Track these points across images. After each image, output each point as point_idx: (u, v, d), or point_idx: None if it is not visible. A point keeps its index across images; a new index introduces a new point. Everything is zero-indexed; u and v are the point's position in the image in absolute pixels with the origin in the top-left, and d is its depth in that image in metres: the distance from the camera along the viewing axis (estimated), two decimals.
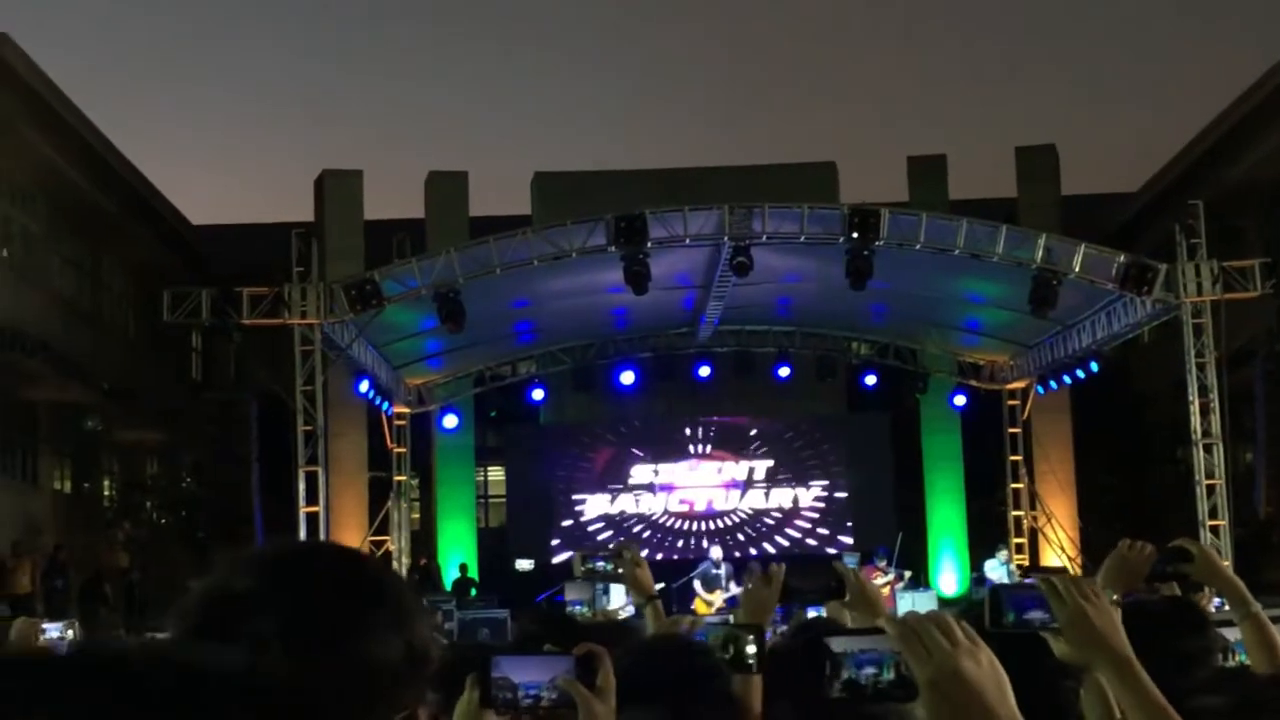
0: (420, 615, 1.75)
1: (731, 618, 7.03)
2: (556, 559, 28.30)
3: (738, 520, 30.29)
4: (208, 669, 1.28)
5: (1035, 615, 2.77)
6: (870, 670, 2.20)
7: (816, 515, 30.45)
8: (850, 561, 23.66)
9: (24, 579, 24.12)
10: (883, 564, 23.67)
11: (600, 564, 5.54)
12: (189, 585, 1.78)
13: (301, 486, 21.87)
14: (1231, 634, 4.12)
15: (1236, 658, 4.15)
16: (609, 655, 2.78)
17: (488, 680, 2.60)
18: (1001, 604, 2.80)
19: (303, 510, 21.66)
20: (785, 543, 29.65)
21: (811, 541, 30.07)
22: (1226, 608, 4.21)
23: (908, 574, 25.27)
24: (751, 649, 3.68)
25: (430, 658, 1.74)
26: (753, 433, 30.61)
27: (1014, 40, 74.02)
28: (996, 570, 24.65)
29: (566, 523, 30.28)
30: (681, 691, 3.24)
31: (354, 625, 1.69)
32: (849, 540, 29.27)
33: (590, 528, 30.04)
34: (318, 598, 1.70)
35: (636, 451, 30.55)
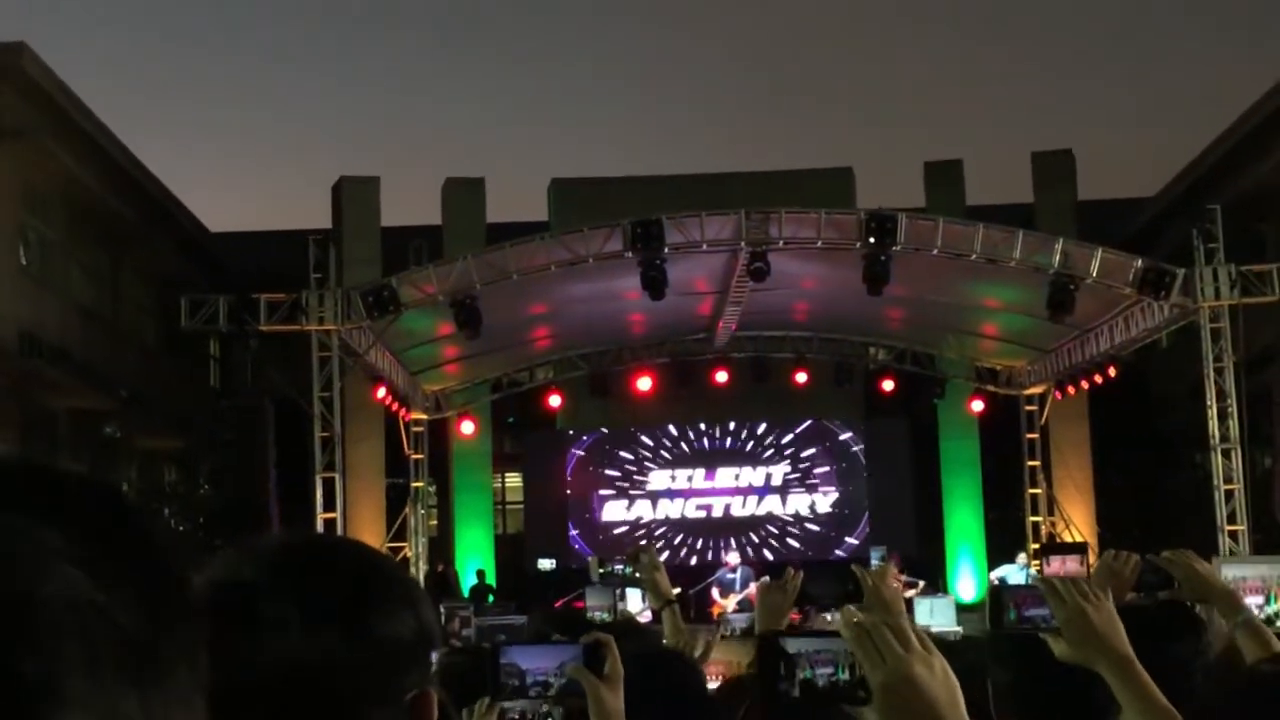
0: (424, 597, 1.80)
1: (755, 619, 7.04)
2: (575, 565, 28.32)
3: (755, 526, 30.29)
4: None
5: (1036, 614, 2.78)
6: (826, 670, 2.21)
7: (834, 521, 30.45)
8: (875, 555, 23.64)
9: None
10: (878, 561, 23.55)
11: (618, 567, 5.54)
12: (192, 579, 1.80)
13: (319, 493, 21.91)
14: None
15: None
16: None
17: (496, 668, 2.62)
18: (1003, 603, 2.81)
19: (320, 517, 21.70)
20: (802, 548, 29.64)
21: (828, 547, 30.06)
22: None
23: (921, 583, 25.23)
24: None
25: (435, 638, 1.79)
26: (770, 439, 30.61)
27: (1030, 45, 73.95)
28: (1015, 577, 24.52)
29: (584, 529, 30.31)
30: (661, 702, 3.25)
31: (368, 603, 1.73)
32: (870, 548, 29.22)
33: (608, 534, 30.06)
34: (328, 579, 1.75)
35: (653, 457, 30.58)
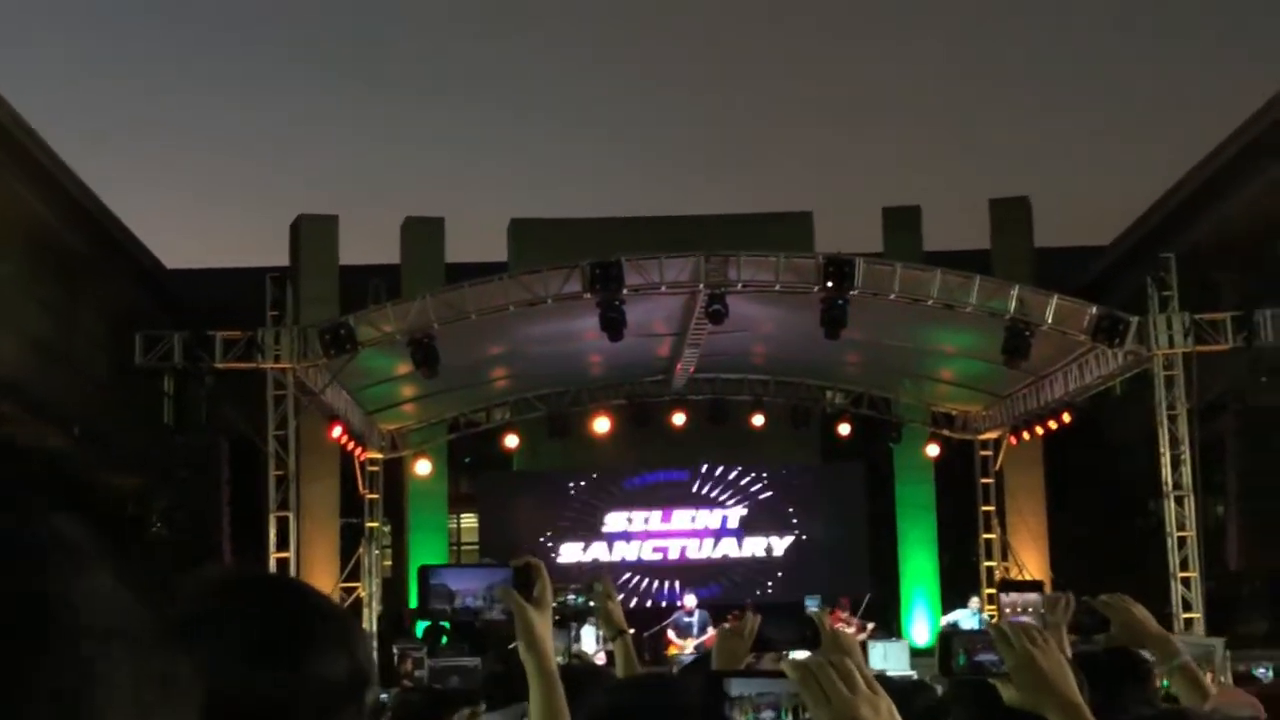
0: (362, 638, 1.80)
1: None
2: None
3: (712, 568, 30.22)
4: None
5: (986, 659, 2.77)
6: (769, 714, 2.21)
7: (790, 564, 30.40)
8: (811, 604, 23.60)
9: None
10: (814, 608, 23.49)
11: (572, 598, 5.50)
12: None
13: (272, 532, 21.78)
14: None
15: None
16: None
17: (427, 590, 2.65)
18: (952, 648, 2.81)
19: (274, 556, 21.57)
20: (759, 591, 29.56)
21: (784, 591, 29.98)
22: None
23: (871, 626, 25.25)
24: None
25: (370, 679, 1.78)
26: (727, 481, 30.57)
27: (988, 93, 74.47)
28: (968, 622, 24.55)
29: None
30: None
31: (303, 640, 1.73)
32: (821, 590, 29.18)
33: (564, 576, 29.92)
34: (261, 616, 1.74)
35: (610, 499, 30.49)
